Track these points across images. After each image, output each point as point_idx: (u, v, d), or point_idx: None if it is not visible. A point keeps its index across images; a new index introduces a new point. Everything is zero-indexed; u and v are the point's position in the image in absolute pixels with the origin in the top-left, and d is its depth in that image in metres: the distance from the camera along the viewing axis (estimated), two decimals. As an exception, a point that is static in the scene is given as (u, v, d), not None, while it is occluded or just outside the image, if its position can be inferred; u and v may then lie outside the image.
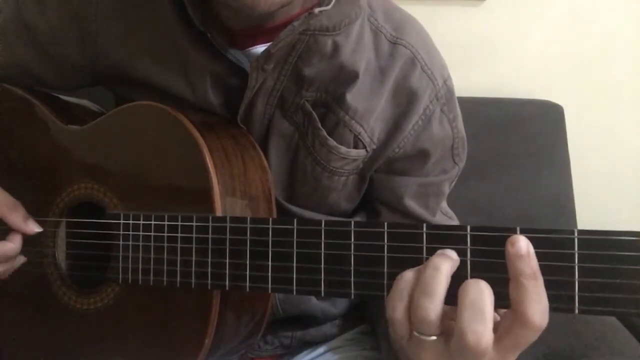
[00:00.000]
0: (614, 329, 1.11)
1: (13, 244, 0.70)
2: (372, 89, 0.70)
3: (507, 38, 1.51)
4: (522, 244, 0.45)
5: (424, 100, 0.72)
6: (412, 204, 0.76)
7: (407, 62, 0.71)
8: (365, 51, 0.70)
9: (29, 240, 0.71)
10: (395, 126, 0.72)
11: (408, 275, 0.49)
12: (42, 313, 0.73)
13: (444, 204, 0.83)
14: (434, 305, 0.47)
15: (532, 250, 0.46)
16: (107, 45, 0.74)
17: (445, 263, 0.48)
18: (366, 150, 0.72)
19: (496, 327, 0.47)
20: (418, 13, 0.77)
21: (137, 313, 0.66)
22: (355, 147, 0.72)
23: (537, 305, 0.45)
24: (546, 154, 1.40)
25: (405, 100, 0.71)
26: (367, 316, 0.90)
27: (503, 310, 0.48)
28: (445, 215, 0.83)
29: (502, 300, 0.46)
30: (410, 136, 0.72)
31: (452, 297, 0.47)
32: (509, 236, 0.46)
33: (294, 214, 0.75)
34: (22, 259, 0.72)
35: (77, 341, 0.70)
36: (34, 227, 0.70)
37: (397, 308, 0.49)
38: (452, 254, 0.49)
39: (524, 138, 1.40)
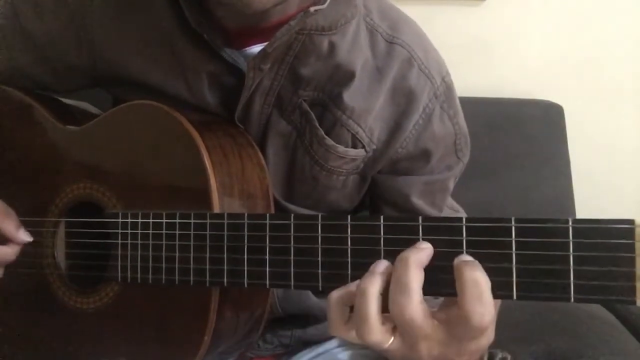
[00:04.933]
0: (614, 329, 1.10)
1: (10, 249, 0.70)
2: (369, 88, 0.70)
3: (507, 38, 1.51)
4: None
5: (422, 99, 0.72)
6: (419, 203, 0.76)
7: (404, 61, 0.71)
8: (361, 50, 0.70)
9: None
10: (396, 126, 0.72)
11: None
12: (42, 313, 0.73)
13: (450, 199, 0.84)
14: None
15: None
16: (104, 46, 0.74)
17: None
18: (365, 150, 0.72)
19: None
20: (417, 13, 0.77)
21: (137, 311, 0.66)
22: (354, 146, 0.72)
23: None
24: (546, 154, 1.40)
25: (404, 100, 0.72)
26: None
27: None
28: (451, 209, 0.83)
29: (502, 290, 0.47)
30: (412, 136, 0.72)
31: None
32: (504, 227, 0.46)
33: (292, 213, 0.75)
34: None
35: (77, 340, 0.70)
36: (24, 237, 0.71)
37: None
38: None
39: (524, 138, 1.40)
